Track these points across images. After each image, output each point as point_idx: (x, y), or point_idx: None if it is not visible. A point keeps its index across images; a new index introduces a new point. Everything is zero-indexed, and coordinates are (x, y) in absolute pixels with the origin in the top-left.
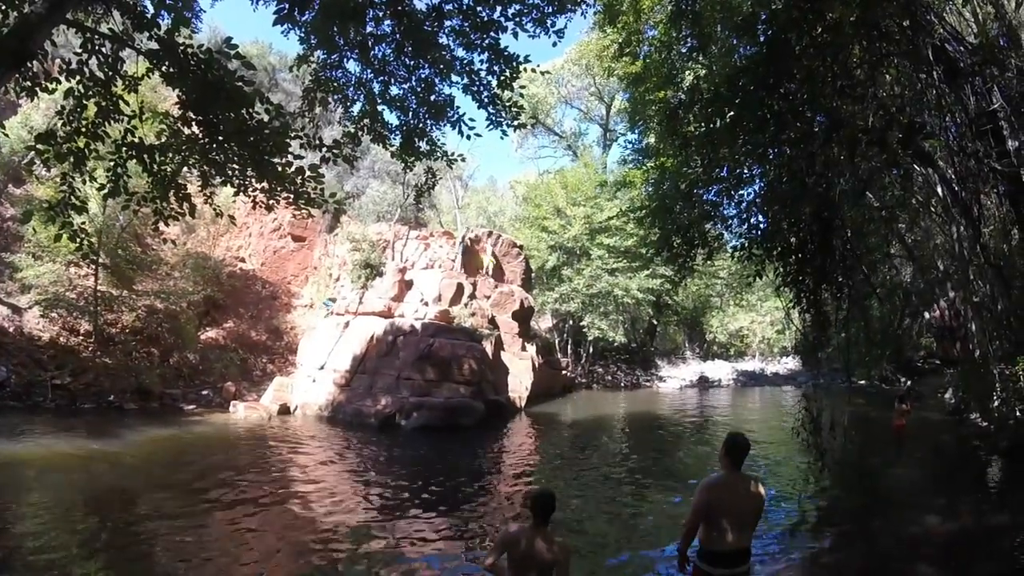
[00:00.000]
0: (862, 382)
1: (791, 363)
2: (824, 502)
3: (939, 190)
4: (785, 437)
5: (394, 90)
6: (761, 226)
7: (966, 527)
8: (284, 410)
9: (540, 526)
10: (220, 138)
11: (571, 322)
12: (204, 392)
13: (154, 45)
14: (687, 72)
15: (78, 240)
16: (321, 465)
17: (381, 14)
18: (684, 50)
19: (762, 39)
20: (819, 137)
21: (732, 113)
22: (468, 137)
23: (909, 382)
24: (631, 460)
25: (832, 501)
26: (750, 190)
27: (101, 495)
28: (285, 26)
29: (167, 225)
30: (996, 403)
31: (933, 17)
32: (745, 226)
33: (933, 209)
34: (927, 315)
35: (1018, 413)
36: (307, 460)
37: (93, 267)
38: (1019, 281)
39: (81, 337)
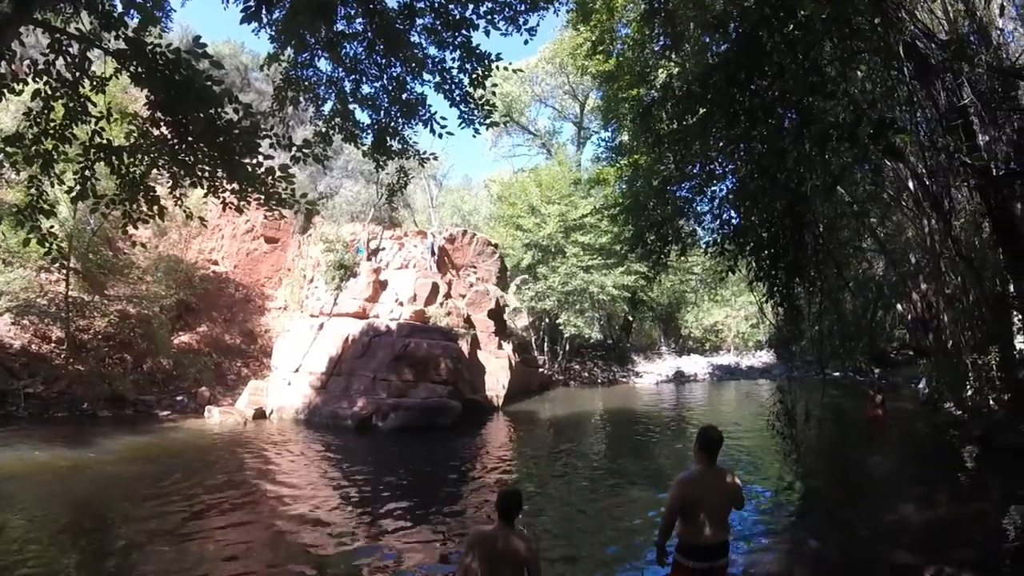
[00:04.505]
0: (836, 374)
1: (766, 356)
2: (801, 492)
3: (910, 184)
4: (761, 430)
5: (365, 88)
6: (733, 222)
7: (942, 514)
8: (260, 414)
9: (509, 524)
10: (189, 139)
11: (547, 320)
12: (178, 398)
13: (122, 45)
14: (660, 70)
15: (47, 244)
16: (298, 469)
17: (352, 12)
18: (657, 48)
19: (734, 36)
20: (790, 133)
21: (704, 110)
22: (440, 135)
23: (878, 371)
24: (609, 456)
25: (809, 491)
26: (722, 186)
27: (78, 505)
28: (254, 24)
29: (136, 228)
30: (969, 392)
31: (904, 14)
32: (718, 222)
33: (904, 203)
34: (900, 307)
35: (991, 402)
36: (284, 464)
37: (64, 272)
38: (990, 272)
39: (53, 344)
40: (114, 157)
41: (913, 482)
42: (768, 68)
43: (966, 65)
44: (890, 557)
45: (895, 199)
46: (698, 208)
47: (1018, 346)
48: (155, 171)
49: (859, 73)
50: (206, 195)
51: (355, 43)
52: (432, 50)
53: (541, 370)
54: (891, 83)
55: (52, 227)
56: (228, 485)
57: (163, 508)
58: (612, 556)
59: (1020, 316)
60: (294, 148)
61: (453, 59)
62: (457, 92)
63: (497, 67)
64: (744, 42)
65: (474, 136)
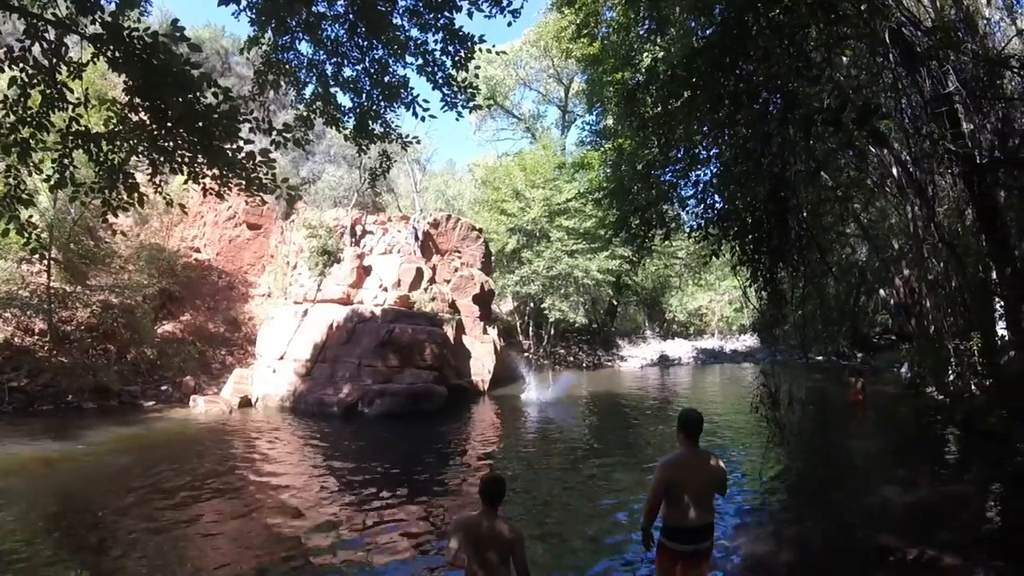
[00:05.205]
0: (819, 358)
1: (749, 340)
2: (785, 476)
3: (894, 171)
4: (745, 413)
5: (347, 72)
6: (717, 206)
7: (925, 498)
8: (245, 403)
9: (493, 510)
10: (168, 124)
11: (532, 304)
12: (163, 388)
13: (99, 29)
14: (645, 53)
15: (27, 234)
16: (285, 457)
17: None
18: (642, 31)
19: (719, 20)
20: (775, 118)
21: (688, 94)
22: (423, 119)
23: (861, 356)
24: (594, 440)
25: (793, 474)
26: (706, 171)
27: (65, 498)
28: (233, 7)
29: (116, 216)
30: (951, 377)
31: (890, 1)
32: (702, 206)
33: (888, 189)
34: (882, 292)
35: (973, 387)
36: (271, 453)
37: (45, 263)
38: (972, 259)
39: (36, 336)
40: (92, 144)
41: (896, 466)
42: (753, 52)
43: (952, 53)
44: (874, 540)
45: (879, 185)
46: (682, 192)
47: (1000, 332)
48: (134, 158)
49: (844, 59)
50: (186, 181)
51: (336, 25)
52: (414, 32)
53: (526, 354)
54: (876, 69)
55: (31, 217)
56: (214, 474)
57: (149, 499)
58: (598, 539)
59: (1002, 302)
60: (275, 132)
61: (436, 41)
62: (440, 75)
63: (480, 49)
64: (729, 26)
65: (457, 119)
